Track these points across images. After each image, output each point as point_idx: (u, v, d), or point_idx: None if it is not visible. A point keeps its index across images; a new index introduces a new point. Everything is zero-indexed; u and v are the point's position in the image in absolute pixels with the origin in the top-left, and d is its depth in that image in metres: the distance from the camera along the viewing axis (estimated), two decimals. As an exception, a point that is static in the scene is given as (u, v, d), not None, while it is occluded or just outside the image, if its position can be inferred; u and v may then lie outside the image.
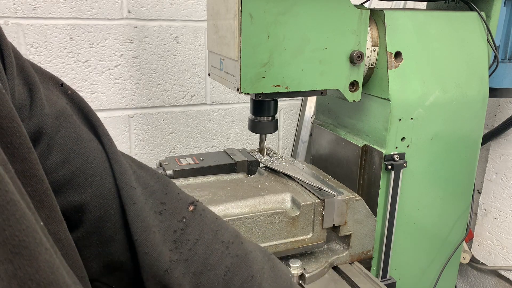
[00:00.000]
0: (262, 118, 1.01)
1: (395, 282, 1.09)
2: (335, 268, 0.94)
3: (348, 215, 0.91)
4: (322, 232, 0.90)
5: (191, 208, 0.56)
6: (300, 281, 0.87)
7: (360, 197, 0.93)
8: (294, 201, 0.89)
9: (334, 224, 0.90)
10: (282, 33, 0.87)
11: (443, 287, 1.21)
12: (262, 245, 0.85)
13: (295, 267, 0.86)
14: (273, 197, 0.89)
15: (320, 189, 0.92)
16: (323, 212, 0.88)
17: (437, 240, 1.16)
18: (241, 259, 0.55)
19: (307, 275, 0.86)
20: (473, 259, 1.55)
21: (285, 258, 0.90)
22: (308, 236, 0.88)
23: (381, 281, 1.04)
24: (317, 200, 0.88)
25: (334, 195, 0.90)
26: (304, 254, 0.92)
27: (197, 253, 0.53)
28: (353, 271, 0.93)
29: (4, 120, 0.36)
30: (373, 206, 1.02)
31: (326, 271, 0.92)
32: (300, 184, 0.95)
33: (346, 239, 0.95)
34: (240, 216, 0.82)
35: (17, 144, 0.37)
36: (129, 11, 1.38)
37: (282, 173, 0.99)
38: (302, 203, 0.86)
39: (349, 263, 0.95)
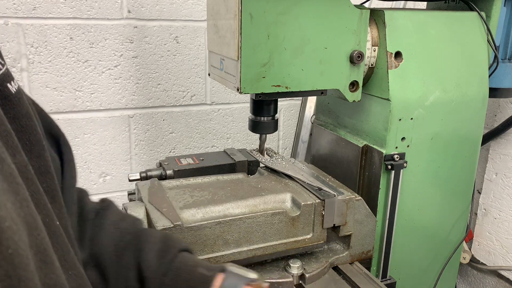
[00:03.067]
0: (262, 118, 1.00)
1: (395, 282, 1.09)
2: (335, 268, 0.94)
3: (348, 215, 0.91)
4: (322, 232, 0.90)
5: None
6: (300, 281, 0.87)
7: (360, 197, 0.93)
8: (294, 201, 0.89)
9: (334, 224, 0.90)
10: (282, 33, 0.87)
11: (443, 287, 1.21)
12: (262, 245, 0.85)
13: (295, 267, 0.86)
14: (273, 197, 0.89)
15: (320, 189, 0.92)
16: (323, 212, 0.88)
17: (437, 240, 1.16)
18: None
19: (307, 275, 0.86)
20: (473, 259, 1.55)
21: (285, 258, 0.90)
22: (308, 236, 0.88)
23: (381, 281, 1.03)
24: (317, 200, 0.88)
25: (334, 195, 0.90)
26: (304, 254, 0.92)
27: None
28: (353, 271, 0.93)
29: (23, 118, 0.38)
30: (373, 206, 1.02)
31: (326, 271, 0.91)
32: (300, 184, 0.95)
33: (346, 239, 0.95)
34: (240, 216, 0.82)
35: (34, 141, 0.39)
36: (129, 11, 1.38)
37: (282, 173, 0.99)
38: (302, 203, 0.86)
39: (349, 263, 0.95)
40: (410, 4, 1.56)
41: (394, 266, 1.10)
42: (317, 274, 0.88)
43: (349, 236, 0.94)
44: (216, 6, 0.92)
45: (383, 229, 1.05)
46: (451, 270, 1.21)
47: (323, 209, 0.88)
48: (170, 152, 1.56)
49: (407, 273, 1.14)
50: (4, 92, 0.37)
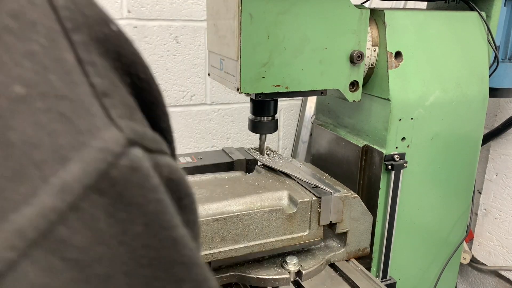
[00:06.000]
0: (262, 118, 1.01)
1: (395, 282, 1.08)
2: (332, 265, 0.94)
3: (345, 213, 0.92)
4: (318, 229, 0.90)
5: None
6: (297, 278, 0.87)
7: (356, 195, 0.93)
8: (291, 199, 0.89)
9: (330, 222, 0.91)
10: (282, 33, 0.88)
11: (443, 287, 1.21)
12: (259, 242, 0.85)
13: (292, 264, 0.87)
14: (270, 195, 0.89)
15: (316, 186, 0.92)
16: (319, 209, 0.89)
17: (437, 240, 1.16)
18: None
19: (304, 272, 0.87)
20: (473, 259, 1.54)
21: (282, 255, 0.91)
22: (305, 233, 0.89)
23: (381, 281, 1.04)
24: (314, 198, 0.88)
25: (331, 192, 0.90)
26: (301, 251, 0.93)
27: None
28: (350, 268, 0.93)
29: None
30: (373, 206, 1.02)
31: (323, 268, 0.92)
32: (297, 182, 0.95)
33: (342, 237, 0.95)
34: (238, 213, 0.83)
35: None
36: (128, 11, 1.39)
37: (279, 171, 1.00)
38: (299, 201, 0.87)
39: (346, 260, 0.96)
40: (410, 4, 1.56)
41: (394, 266, 1.10)
42: (314, 271, 0.89)
43: (346, 233, 0.94)
44: (216, 6, 0.93)
45: (383, 229, 1.05)
46: (451, 270, 1.21)
47: (320, 207, 0.89)
48: (171, 151, 1.57)
49: (407, 273, 1.14)
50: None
